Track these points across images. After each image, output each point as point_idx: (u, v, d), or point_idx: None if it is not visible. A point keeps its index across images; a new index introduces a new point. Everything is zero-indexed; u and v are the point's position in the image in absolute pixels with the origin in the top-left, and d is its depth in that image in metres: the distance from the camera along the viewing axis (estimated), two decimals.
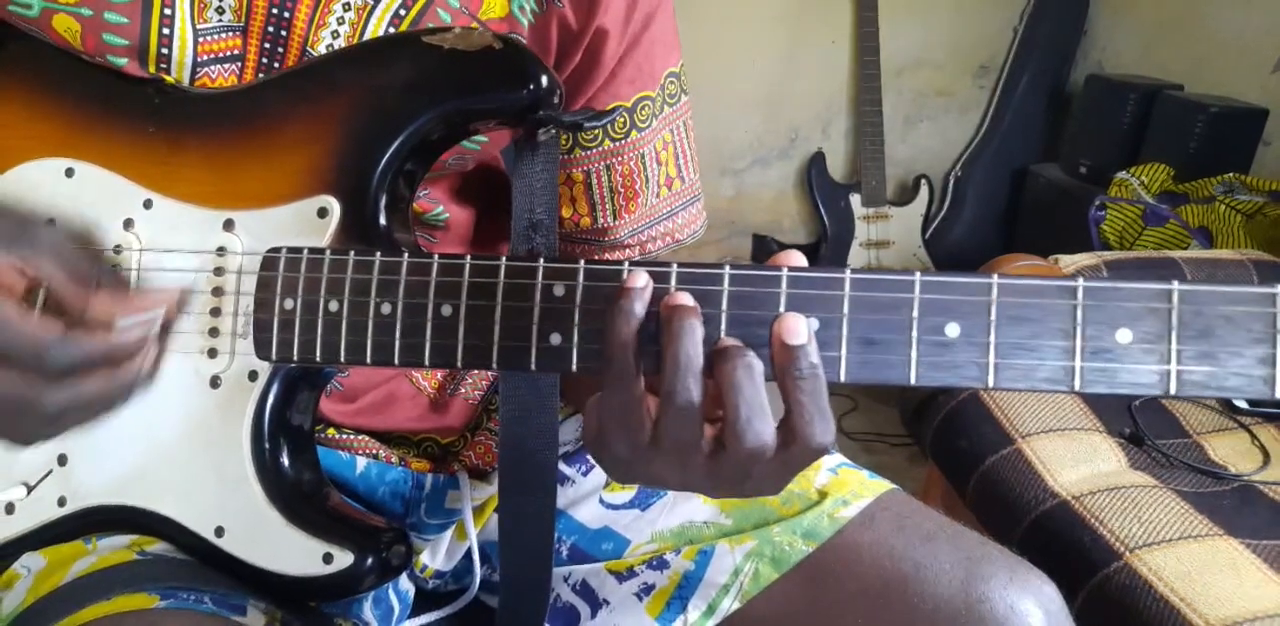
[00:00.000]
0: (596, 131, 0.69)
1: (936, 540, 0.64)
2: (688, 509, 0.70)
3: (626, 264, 0.46)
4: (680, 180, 0.75)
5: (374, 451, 0.71)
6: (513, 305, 0.48)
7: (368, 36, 0.60)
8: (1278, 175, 1.91)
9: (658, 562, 0.68)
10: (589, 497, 0.73)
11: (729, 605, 0.65)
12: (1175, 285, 0.40)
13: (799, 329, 0.43)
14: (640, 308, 0.45)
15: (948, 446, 1.35)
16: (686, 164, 0.76)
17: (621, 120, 0.69)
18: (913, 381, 0.42)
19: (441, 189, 0.69)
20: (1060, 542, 1.10)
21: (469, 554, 0.74)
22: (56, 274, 0.51)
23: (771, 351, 0.44)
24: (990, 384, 0.41)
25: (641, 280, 0.45)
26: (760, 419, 0.43)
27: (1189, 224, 1.82)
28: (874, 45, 2.45)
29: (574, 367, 0.47)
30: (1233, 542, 1.04)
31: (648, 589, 0.68)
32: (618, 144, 0.70)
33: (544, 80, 0.53)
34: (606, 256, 0.76)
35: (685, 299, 0.44)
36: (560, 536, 0.72)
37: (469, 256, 0.49)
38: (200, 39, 0.59)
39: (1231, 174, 1.86)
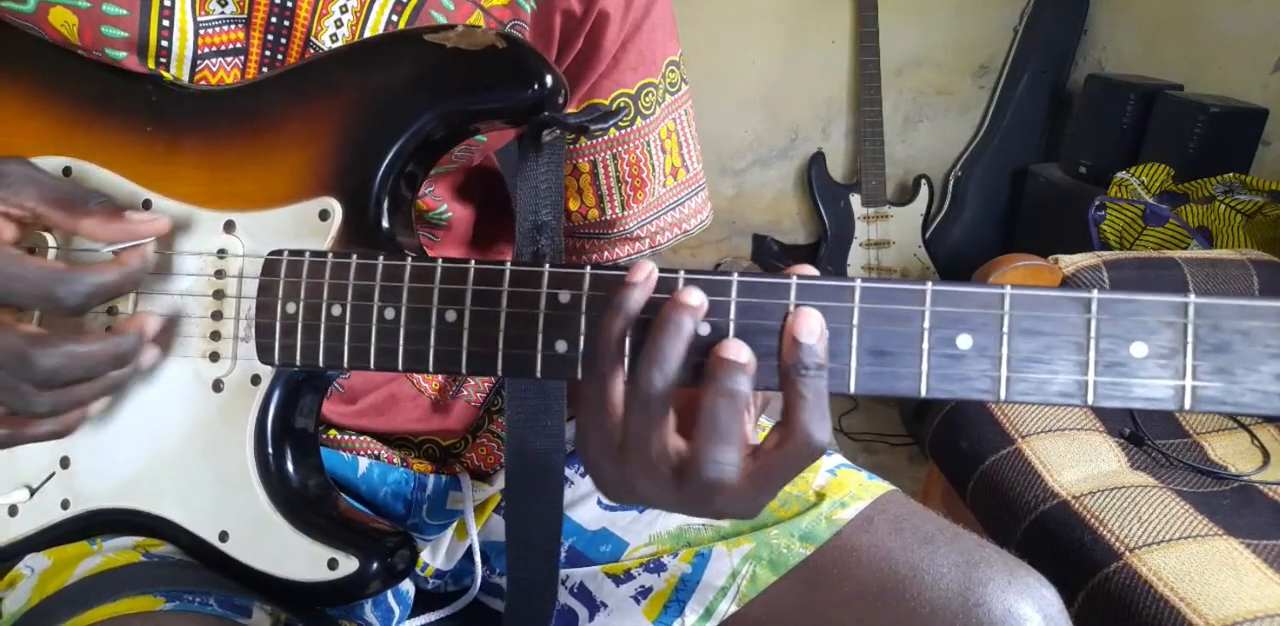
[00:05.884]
0: None
1: (935, 542, 0.64)
2: None
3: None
4: (685, 169, 0.75)
5: (376, 452, 0.70)
6: (517, 312, 0.47)
7: (371, 24, 0.59)
8: (1278, 175, 1.91)
9: (655, 565, 0.68)
10: (587, 498, 0.72)
11: (726, 608, 0.65)
12: (1191, 298, 0.40)
13: (813, 327, 0.42)
14: (635, 303, 0.43)
15: (948, 446, 1.35)
16: (690, 152, 0.76)
17: (627, 108, 0.69)
18: (923, 393, 0.42)
19: (445, 187, 0.69)
20: (1060, 542, 1.10)
21: (468, 554, 0.73)
22: (40, 204, 0.50)
23: (781, 345, 0.43)
24: (1002, 397, 0.41)
25: (641, 275, 0.44)
26: (725, 450, 0.42)
27: (1189, 224, 1.82)
28: (874, 45, 2.44)
29: (580, 376, 0.46)
30: (1233, 542, 1.04)
31: (645, 591, 0.67)
32: (624, 132, 0.70)
33: (549, 80, 0.52)
34: (616, 250, 0.76)
35: (689, 297, 0.43)
36: None
37: (474, 261, 0.48)
38: (201, 31, 0.57)
39: (1231, 174, 1.86)
